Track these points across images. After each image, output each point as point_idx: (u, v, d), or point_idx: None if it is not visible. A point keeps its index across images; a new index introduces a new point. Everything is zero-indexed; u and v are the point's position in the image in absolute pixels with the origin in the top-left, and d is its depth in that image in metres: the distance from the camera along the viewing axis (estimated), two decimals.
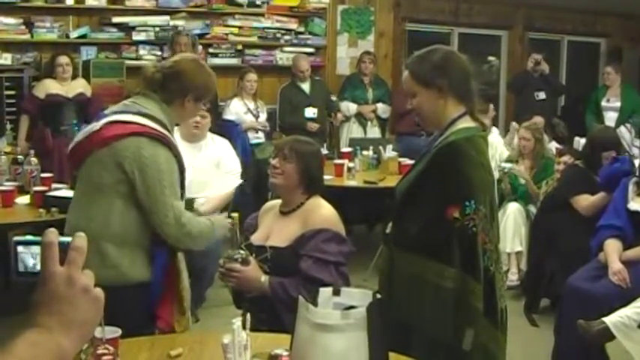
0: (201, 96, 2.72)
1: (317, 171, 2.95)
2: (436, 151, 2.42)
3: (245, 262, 2.69)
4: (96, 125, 2.61)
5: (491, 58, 9.55)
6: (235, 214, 2.69)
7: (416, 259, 2.38)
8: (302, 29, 7.70)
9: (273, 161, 2.88)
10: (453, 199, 2.34)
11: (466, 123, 2.45)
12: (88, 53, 6.46)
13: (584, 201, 4.58)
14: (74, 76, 5.94)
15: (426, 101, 2.45)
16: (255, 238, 2.95)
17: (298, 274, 2.71)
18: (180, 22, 6.86)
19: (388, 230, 2.54)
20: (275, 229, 2.93)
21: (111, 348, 1.89)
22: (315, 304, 1.96)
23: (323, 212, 2.87)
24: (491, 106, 7.29)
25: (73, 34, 6.45)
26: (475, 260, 2.33)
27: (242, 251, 2.69)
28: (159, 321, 2.63)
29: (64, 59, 5.80)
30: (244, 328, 2.00)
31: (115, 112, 2.64)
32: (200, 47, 6.75)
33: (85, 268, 1.04)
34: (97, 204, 2.56)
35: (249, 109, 6.68)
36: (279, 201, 3.04)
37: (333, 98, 7.35)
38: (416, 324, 2.36)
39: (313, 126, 6.84)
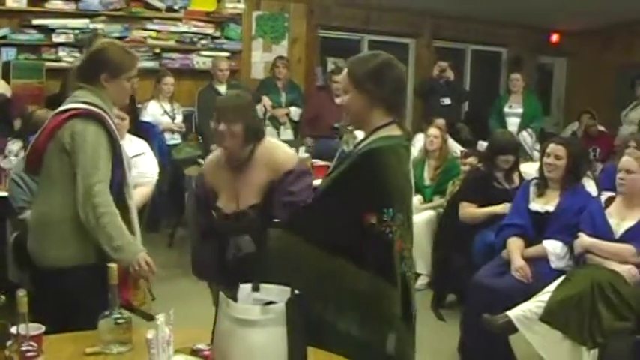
0: (118, 72, 2.77)
1: (257, 120, 3.02)
2: (357, 157, 2.39)
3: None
4: (45, 124, 2.79)
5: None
6: (114, 265, 2.20)
7: (325, 256, 2.33)
8: (218, 34, 7.72)
9: (221, 127, 2.88)
10: (370, 205, 2.30)
11: (391, 131, 2.42)
12: (8, 54, 6.36)
13: (467, 211, 4.76)
14: None
15: (354, 102, 2.43)
16: (225, 205, 2.92)
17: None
18: (99, 25, 6.80)
19: (295, 217, 2.58)
20: (239, 186, 2.92)
21: (35, 344, 1.89)
22: (235, 299, 1.99)
23: (282, 152, 2.97)
24: None
25: None
26: (392, 266, 2.30)
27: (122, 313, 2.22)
28: None
29: None
30: (167, 323, 2.03)
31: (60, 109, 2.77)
32: None
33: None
34: (54, 190, 2.72)
35: (165, 111, 6.70)
36: (217, 155, 3.05)
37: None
38: (330, 320, 2.32)
39: None
